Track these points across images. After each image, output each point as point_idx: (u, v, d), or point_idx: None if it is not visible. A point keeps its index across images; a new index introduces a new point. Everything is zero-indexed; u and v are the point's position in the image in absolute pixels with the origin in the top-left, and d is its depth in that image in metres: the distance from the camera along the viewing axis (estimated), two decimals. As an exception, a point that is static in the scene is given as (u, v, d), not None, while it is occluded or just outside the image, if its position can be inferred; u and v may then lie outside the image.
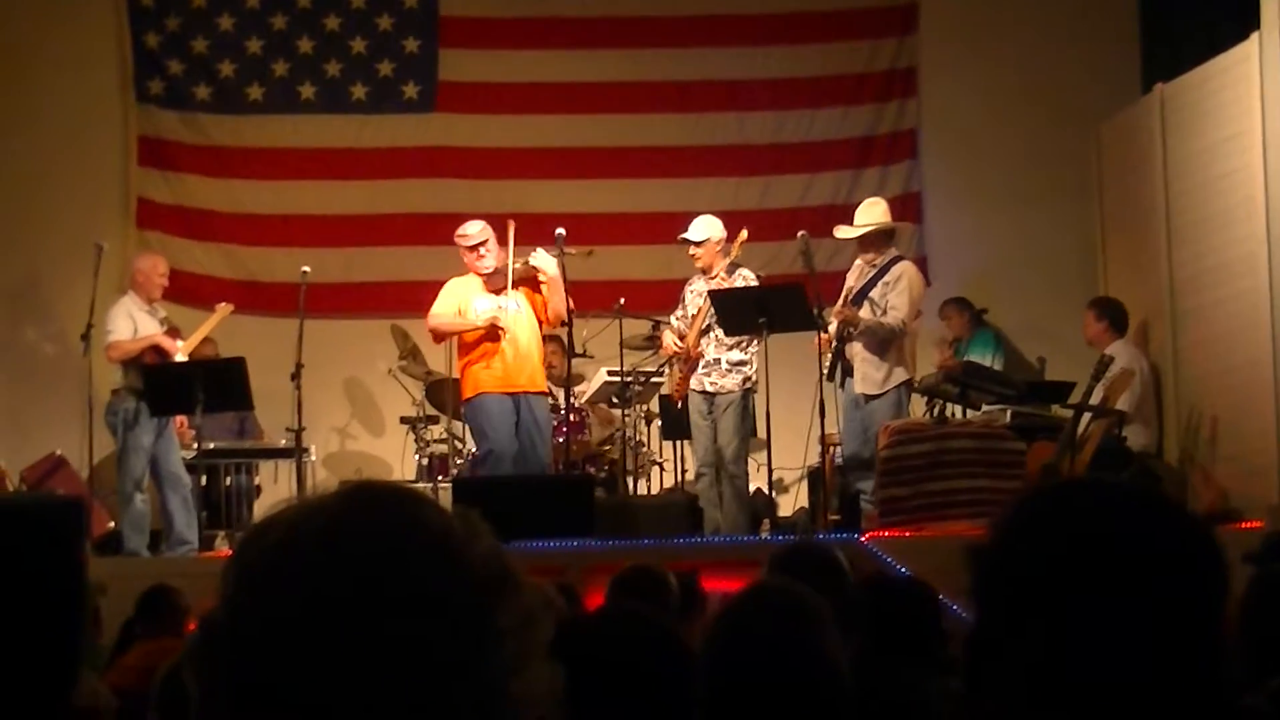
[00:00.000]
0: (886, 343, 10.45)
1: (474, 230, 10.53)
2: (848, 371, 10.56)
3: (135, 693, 4.73)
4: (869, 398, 10.45)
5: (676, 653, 2.70)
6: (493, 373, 10.36)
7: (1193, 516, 1.84)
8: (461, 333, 10.50)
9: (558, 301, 10.36)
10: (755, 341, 10.53)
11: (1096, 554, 1.74)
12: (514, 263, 10.36)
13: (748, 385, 10.58)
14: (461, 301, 10.53)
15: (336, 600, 1.34)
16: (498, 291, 10.43)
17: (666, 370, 11.30)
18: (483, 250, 10.47)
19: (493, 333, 10.35)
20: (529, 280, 10.45)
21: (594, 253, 10.91)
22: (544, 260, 10.33)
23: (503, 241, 10.45)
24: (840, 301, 10.68)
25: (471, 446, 11.89)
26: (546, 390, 10.77)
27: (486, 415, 10.36)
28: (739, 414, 10.52)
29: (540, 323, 10.56)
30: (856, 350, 10.52)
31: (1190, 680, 1.73)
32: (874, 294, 10.55)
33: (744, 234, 10.66)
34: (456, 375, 10.87)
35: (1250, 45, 10.36)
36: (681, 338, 10.70)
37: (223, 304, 11.50)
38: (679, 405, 10.95)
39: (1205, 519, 2.62)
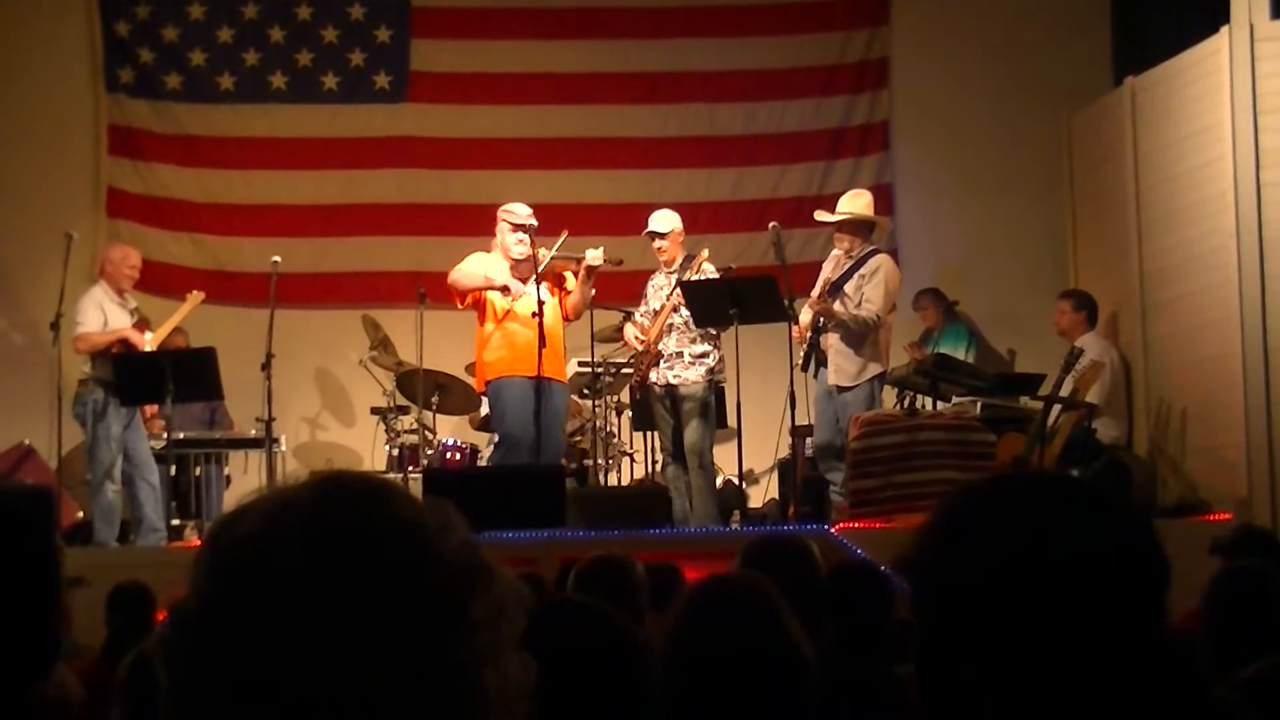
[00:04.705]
0: (862, 336, 10.43)
1: (525, 212, 10.41)
2: (821, 362, 10.56)
3: (100, 683, 4.71)
4: (842, 389, 10.45)
5: (622, 644, 2.67)
6: (517, 356, 10.21)
7: (1121, 504, 1.82)
8: (481, 290, 10.31)
9: (577, 298, 10.41)
10: (717, 335, 10.55)
11: (1025, 556, 1.73)
12: (552, 253, 10.29)
13: (712, 377, 10.58)
14: (487, 273, 10.37)
15: (308, 591, 1.34)
16: (524, 279, 10.34)
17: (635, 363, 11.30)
18: (523, 235, 10.36)
19: (514, 315, 10.24)
20: (552, 275, 10.41)
21: (624, 262, 10.81)
22: (593, 255, 10.32)
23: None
24: (816, 292, 10.66)
25: (442, 437, 11.92)
26: (566, 382, 10.77)
27: (506, 399, 10.25)
28: (703, 406, 10.51)
29: (564, 317, 10.53)
30: (831, 342, 10.51)
31: (1143, 675, 1.72)
32: (849, 286, 10.52)
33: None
34: (469, 365, 10.91)
35: (1220, 39, 10.39)
36: (644, 331, 10.69)
37: (194, 292, 11.43)
38: (636, 396, 10.98)
39: (1137, 507, 2.61)
